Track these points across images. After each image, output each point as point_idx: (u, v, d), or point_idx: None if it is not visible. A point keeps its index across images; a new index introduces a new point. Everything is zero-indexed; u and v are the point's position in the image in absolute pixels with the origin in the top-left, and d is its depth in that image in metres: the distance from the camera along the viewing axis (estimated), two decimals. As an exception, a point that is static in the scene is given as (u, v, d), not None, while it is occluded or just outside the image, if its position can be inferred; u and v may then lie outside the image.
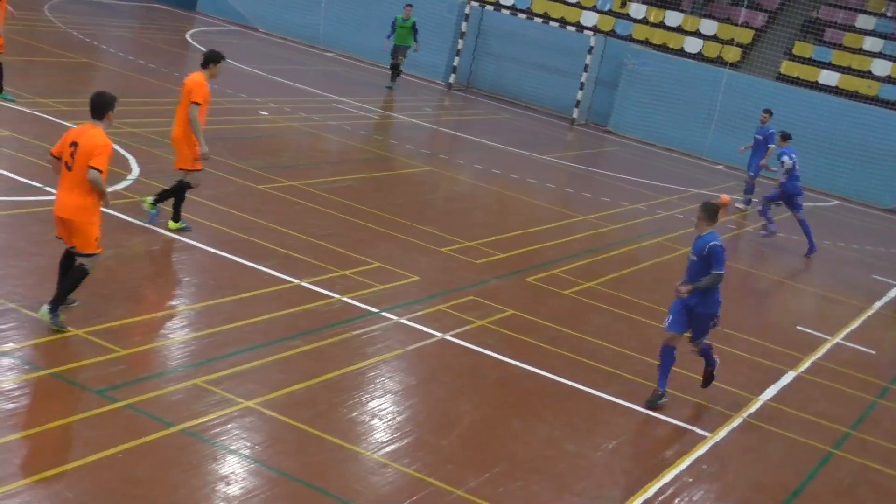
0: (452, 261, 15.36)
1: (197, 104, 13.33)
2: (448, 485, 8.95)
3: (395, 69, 29.86)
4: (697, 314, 11.43)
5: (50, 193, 13.89)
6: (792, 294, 18.79)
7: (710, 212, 11.35)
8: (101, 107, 10.06)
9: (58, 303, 10.03)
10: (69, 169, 9.89)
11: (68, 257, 10.22)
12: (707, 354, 11.89)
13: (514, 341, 12.61)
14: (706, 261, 11.13)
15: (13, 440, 8.23)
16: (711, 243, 11.12)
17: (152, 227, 13.58)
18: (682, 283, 11.44)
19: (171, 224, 13.67)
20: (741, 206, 23.30)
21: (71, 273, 10.12)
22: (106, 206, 10.47)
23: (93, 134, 9.92)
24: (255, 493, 8.28)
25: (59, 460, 8.09)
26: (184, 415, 9.12)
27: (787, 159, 20.25)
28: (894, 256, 22.03)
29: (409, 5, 29.69)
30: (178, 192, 13.62)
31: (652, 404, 11.44)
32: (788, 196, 20.53)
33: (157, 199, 13.67)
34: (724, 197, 20.99)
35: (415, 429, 10.04)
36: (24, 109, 18.16)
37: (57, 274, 10.28)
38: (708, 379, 12.10)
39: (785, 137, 21.16)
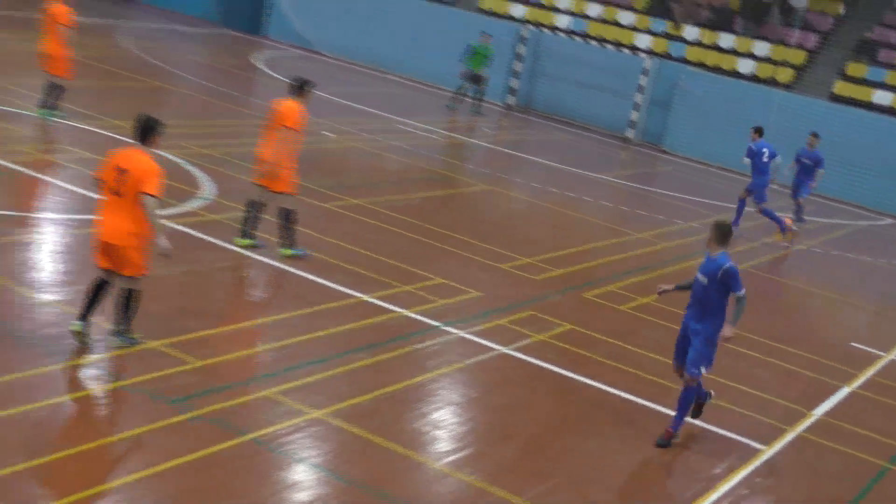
0: (511, 277, 15.38)
1: (289, 128, 13.37)
2: (508, 494, 8.97)
3: (462, 90, 29.91)
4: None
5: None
6: (846, 310, 18.57)
7: (722, 233, 10.42)
8: (148, 131, 9.57)
9: (126, 328, 9.93)
10: (117, 194, 9.34)
11: (101, 285, 9.70)
12: (698, 388, 10.65)
13: (571, 355, 12.60)
14: (720, 284, 10.18)
15: (97, 447, 8.38)
16: (725, 266, 10.17)
17: (222, 244, 13.74)
18: (689, 305, 10.54)
19: (282, 251, 13.74)
20: (795, 227, 22.88)
21: (127, 301, 9.78)
22: (159, 240, 9.56)
23: (141, 160, 9.40)
24: (323, 501, 8.36)
25: (138, 466, 8.22)
26: (254, 424, 9.23)
27: (779, 159, 20.83)
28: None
29: (485, 33, 29.97)
30: (287, 217, 13.66)
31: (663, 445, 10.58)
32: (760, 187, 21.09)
33: (288, 241, 13.71)
34: (788, 220, 21.02)
35: (475, 440, 10.07)
36: (101, 132, 18.45)
37: (89, 298, 9.74)
38: (697, 410, 10.96)
39: (759, 132, 21.41)
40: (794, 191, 23.12)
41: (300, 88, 13.75)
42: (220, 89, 25.80)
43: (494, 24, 33.52)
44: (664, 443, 10.51)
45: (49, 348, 9.79)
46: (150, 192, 9.28)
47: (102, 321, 10.46)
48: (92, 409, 9.01)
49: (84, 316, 9.71)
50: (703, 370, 10.38)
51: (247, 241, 13.78)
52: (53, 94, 18.22)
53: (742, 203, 21.53)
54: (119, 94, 22.74)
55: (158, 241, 9.40)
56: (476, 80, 29.82)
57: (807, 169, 22.57)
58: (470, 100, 30.01)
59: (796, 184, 22.95)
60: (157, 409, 9.13)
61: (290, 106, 13.58)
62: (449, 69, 33.62)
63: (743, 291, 10.25)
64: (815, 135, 22.82)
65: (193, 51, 31.96)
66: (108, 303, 10.03)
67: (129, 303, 9.82)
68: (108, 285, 9.71)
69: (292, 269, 13.45)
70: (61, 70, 18.03)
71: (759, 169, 21.06)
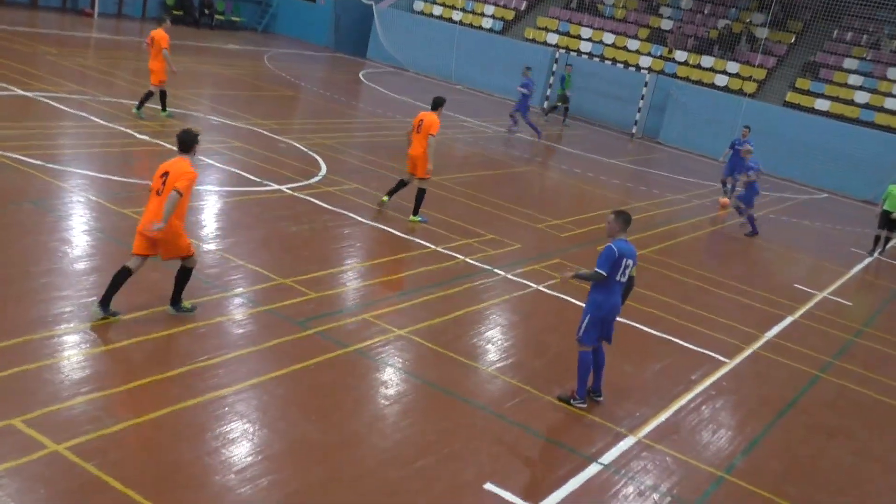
0: (544, 234, 15.25)
1: (433, 135, 13.61)
2: (540, 392, 8.95)
3: (555, 108, 30.05)
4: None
5: (266, 186, 14.29)
6: (791, 260, 18.19)
7: (624, 220, 8.58)
8: (187, 142, 8.61)
9: (178, 300, 8.89)
10: (159, 194, 8.38)
11: (125, 272, 8.47)
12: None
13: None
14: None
15: (241, 355, 8.50)
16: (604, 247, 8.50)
17: (335, 209, 13.78)
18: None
19: (412, 217, 13.95)
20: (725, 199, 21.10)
21: (182, 276, 8.79)
22: (158, 225, 8.22)
23: (181, 165, 8.46)
24: (406, 395, 8.41)
25: (272, 368, 8.32)
26: (356, 339, 9.29)
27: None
28: (867, 234, 21.13)
29: (570, 65, 30.26)
30: (419, 196, 13.93)
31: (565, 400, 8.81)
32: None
33: (415, 210, 13.98)
34: (724, 200, 20.61)
35: (516, 352, 10.05)
36: (250, 128, 18.58)
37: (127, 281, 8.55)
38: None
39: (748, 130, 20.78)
40: (728, 172, 21.46)
41: (440, 105, 13.92)
42: (334, 96, 25.81)
43: (535, 49, 33.14)
44: (564, 398, 8.78)
45: (212, 283, 9.91)
46: (179, 189, 8.24)
47: (248, 263, 10.56)
48: (240, 326, 9.10)
49: (105, 300, 8.43)
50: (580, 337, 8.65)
51: (415, 218, 13.97)
52: (158, 98, 17.58)
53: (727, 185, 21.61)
54: (262, 100, 22.86)
55: (157, 224, 8.22)
56: (564, 99, 29.61)
57: (738, 154, 20.53)
58: (561, 115, 30.11)
59: (730, 167, 21.31)
60: (288, 327, 9.24)
61: (432, 118, 13.63)
62: (502, 83, 33.37)
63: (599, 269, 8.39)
64: (748, 127, 21.84)
65: (315, 69, 31.99)
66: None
67: (186, 277, 8.83)
68: (130, 274, 8.50)
69: (384, 227, 13.46)
70: (157, 79, 17.27)
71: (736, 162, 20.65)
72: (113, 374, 7.58)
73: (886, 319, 14.80)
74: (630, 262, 8.51)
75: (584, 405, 8.77)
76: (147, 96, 17.30)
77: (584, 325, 8.62)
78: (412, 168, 13.96)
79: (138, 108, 17.30)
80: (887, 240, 19.04)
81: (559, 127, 29.27)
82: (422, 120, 13.77)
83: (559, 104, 29.91)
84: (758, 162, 18.84)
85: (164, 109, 17.72)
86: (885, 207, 18.60)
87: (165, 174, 8.41)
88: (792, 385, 10.80)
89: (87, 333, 8.16)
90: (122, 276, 8.44)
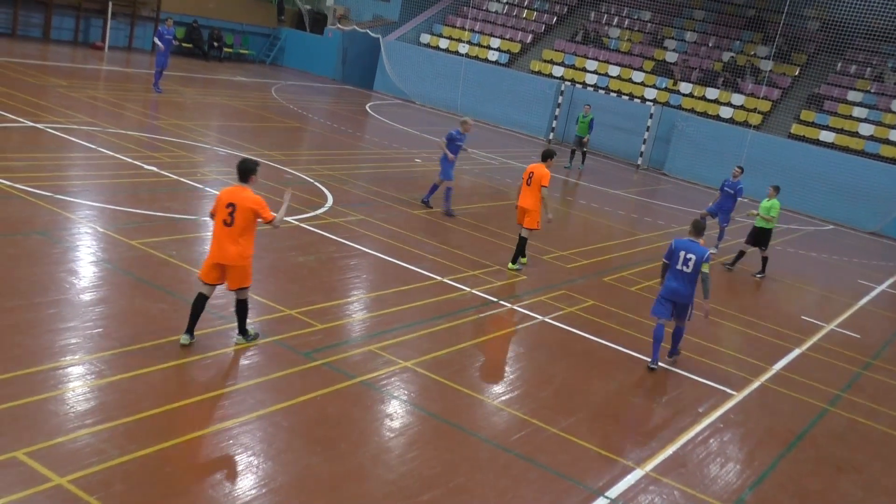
0: (550, 265, 15.24)
1: (546, 187, 13.83)
2: (546, 424, 8.89)
3: (573, 154, 28.03)
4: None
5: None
6: (798, 292, 18.12)
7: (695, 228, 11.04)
8: (246, 172, 8.82)
9: (244, 329, 9.29)
10: (228, 225, 8.62)
11: (202, 299, 8.93)
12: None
13: (594, 323, 12.45)
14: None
15: (246, 386, 8.48)
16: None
17: (341, 240, 13.80)
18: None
19: (510, 266, 14.13)
20: (714, 250, 18.67)
21: (240, 308, 9.14)
22: (278, 219, 8.93)
23: (246, 196, 8.66)
24: (411, 427, 8.36)
25: (277, 400, 8.29)
26: (361, 370, 9.27)
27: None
28: (874, 266, 21.12)
29: (588, 105, 28.37)
30: (522, 244, 14.10)
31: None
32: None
33: (514, 259, 14.18)
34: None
35: (522, 384, 10.00)
36: (257, 159, 18.63)
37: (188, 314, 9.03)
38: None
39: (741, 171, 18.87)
40: (713, 210, 18.96)
41: (550, 156, 14.03)
42: (340, 128, 25.96)
43: (540, 82, 33.34)
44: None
45: (217, 314, 9.90)
46: (267, 218, 8.75)
47: (258, 296, 10.56)
48: (246, 358, 9.08)
49: (191, 328, 8.93)
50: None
51: (514, 267, 14.16)
52: None
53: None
54: (269, 131, 22.99)
55: (277, 219, 8.87)
56: (579, 143, 27.56)
57: (727, 197, 18.70)
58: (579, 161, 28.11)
59: (716, 210, 18.90)
60: (294, 358, 9.23)
61: (543, 170, 13.88)
62: (508, 115, 33.56)
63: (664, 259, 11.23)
64: (741, 168, 19.10)
65: (322, 100, 32.22)
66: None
67: (244, 309, 9.18)
68: (207, 299, 8.95)
69: (390, 258, 13.47)
70: None
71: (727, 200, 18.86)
72: (118, 406, 7.55)
73: (895, 352, 14.70)
74: (691, 255, 10.71)
75: (655, 367, 10.96)
76: None
77: (655, 301, 11.02)
78: (520, 218, 14.14)
79: None
80: (741, 254, 17.74)
81: (572, 167, 27.80)
82: (531, 172, 13.91)
83: (575, 149, 27.83)
84: (739, 183, 18.50)
85: None
86: (756, 223, 17.45)
87: (232, 205, 8.60)
88: (800, 418, 10.71)
89: (93, 365, 8.15)
90: (198, 304, 8.89)
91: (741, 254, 17.80)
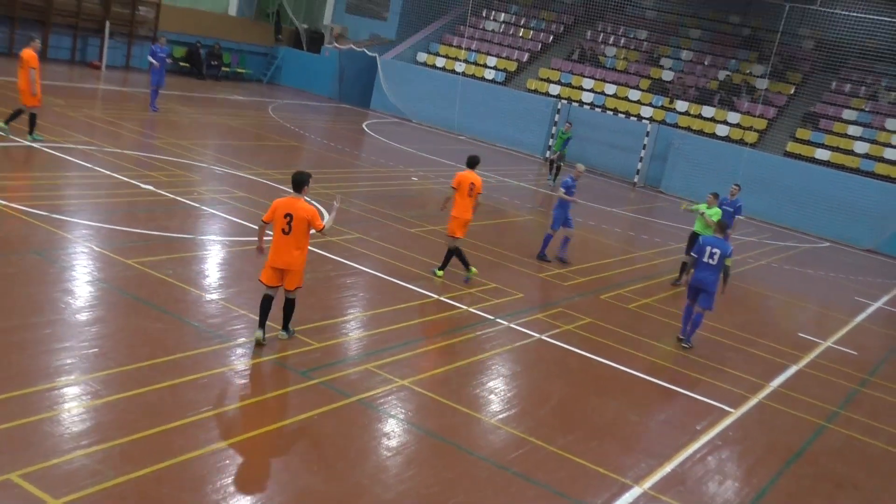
0: (547, 283, 15.25)
1: (480, 193, 13.91)
2: (543, 442, 8.87)
3: (552, 166, 27.99)
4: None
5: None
6: (795, 309, 18.14)
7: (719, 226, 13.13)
8: (300, 183, 9.68)
9: (288, 325, 10.09)
10: (287, 234, 9.50)
11: (269, 300, 9.73)
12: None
13: (591, 341, 12.45)
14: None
15: (243, 405, 8.45)
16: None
17: (337, 258, 13.81)
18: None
19: (438, 272, 14.02)
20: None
21: (290, 306, 9.97)
22: (327, 227, 9.94)
23: (301, 206, 9.53)
24: (408, 445, 8.33)
25: (274, 419, 8.27)
26: (358, 389, 9.24)
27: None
28: (871, 283, 21.15)
29: (569, 122, 28.42)
30: (453, 254, 13.96)
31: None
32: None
33: (443, 266, 14.05)
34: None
35: (519, 402, 9.97)
36: (253, 178, 18.70)
37: (259, 309, 9.81)
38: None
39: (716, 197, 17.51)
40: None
41: (473, 163, 14.02)
42: (337, 147, 26.02)
43: (537, 100, 33.49)
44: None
45: (214, 333, 9.90)
46: (319, 228, 9.64)
47: (249, 312, 10.55)
48: (242, 377, 9.05)
49: (263, 324, 9.75)
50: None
51: (441, 273, 14.04)
52: (20, 117, 18.08)
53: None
54: (266, 150, 23.05)
55: (327, 227, 9.82)
56: (560, 157, 27.60)
57: (727, 216, 17.85)
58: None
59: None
60: (291, 377, 9.21)
61: (477, 178, 13.82)
62: (504, 133, 33.68)
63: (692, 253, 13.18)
64: (738, 186, 18.95)
65: (319, 119, 32.32)
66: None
67: (293, 307, 10.01)
68: (272, 299, 9.76)
69: (386, 277, 13.47)
70: (27, 100, 17.77)
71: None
72: (114, 427, 7.52)
73: (892, 369, 14.70)
74: (717, 251, 12.54)
75: (688, 346, 12.88)
76: (17, 113, 17.89)
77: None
78: (463, 230, 13.98)
79: (6, 122, 17.87)
80: (685, 266, 16.91)
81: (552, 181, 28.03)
82: (472, 183, 13.73)
83: (554, 161, 27.85)
84: (738, 202, 18.31)
85: (30, 132, 17.95)
86: (694, 228, 17.02)
87: (289, 215, 9.46)
88: (798, 435, 10.69)
89: (89, 385, 8.12)
90: (267, 304, 9.71)
91: (684, 265, 16.81)
